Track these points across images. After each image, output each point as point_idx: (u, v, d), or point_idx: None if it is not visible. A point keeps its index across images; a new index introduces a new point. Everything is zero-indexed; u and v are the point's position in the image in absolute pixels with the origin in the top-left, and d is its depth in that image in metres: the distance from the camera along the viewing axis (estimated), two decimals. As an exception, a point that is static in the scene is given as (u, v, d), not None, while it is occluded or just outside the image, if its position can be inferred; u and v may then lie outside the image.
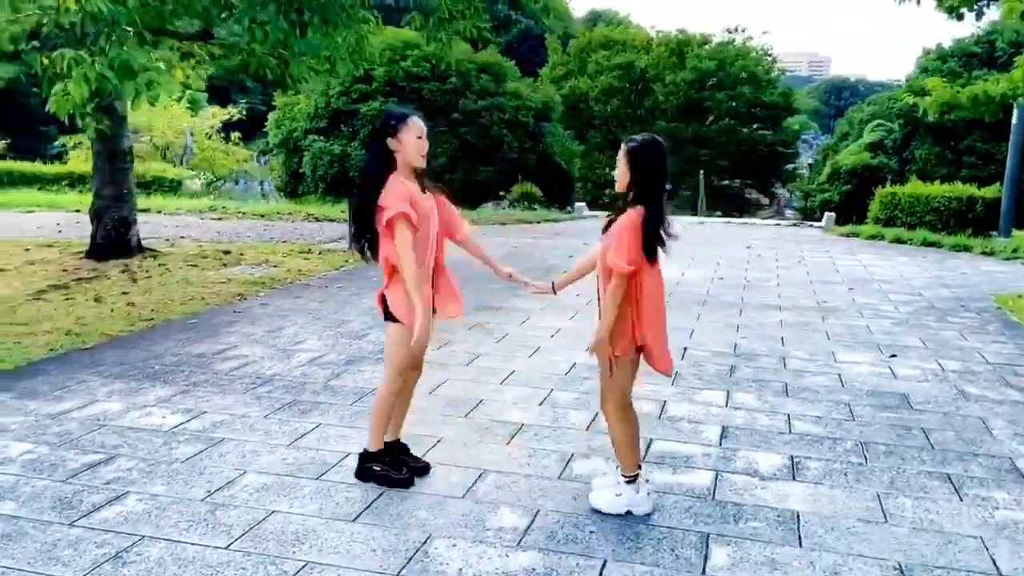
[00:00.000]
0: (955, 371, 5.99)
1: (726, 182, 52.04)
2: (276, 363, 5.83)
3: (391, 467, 3.87)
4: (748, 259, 11.59)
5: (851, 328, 7.33)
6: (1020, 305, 8.40)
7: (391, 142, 3.57)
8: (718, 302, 8.42)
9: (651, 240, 3.39)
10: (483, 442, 4.42)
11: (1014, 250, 12.68)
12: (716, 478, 4.00)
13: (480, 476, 3.97)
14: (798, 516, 3.61)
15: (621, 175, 3.43)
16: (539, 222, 16.22)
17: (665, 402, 5.14)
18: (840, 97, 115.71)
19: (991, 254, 12.61)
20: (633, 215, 3.36)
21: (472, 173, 20.32)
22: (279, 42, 6.69)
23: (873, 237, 14.29)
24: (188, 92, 25.08)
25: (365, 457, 3.91)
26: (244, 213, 15.53)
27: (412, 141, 3.57)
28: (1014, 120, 13.59)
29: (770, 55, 50.76)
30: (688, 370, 5.87)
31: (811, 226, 16.81)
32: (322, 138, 21.26)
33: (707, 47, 46.86)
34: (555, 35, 52.41)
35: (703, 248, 12.74)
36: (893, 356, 6.39)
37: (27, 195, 17.14)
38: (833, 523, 3.55)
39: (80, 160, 21.08)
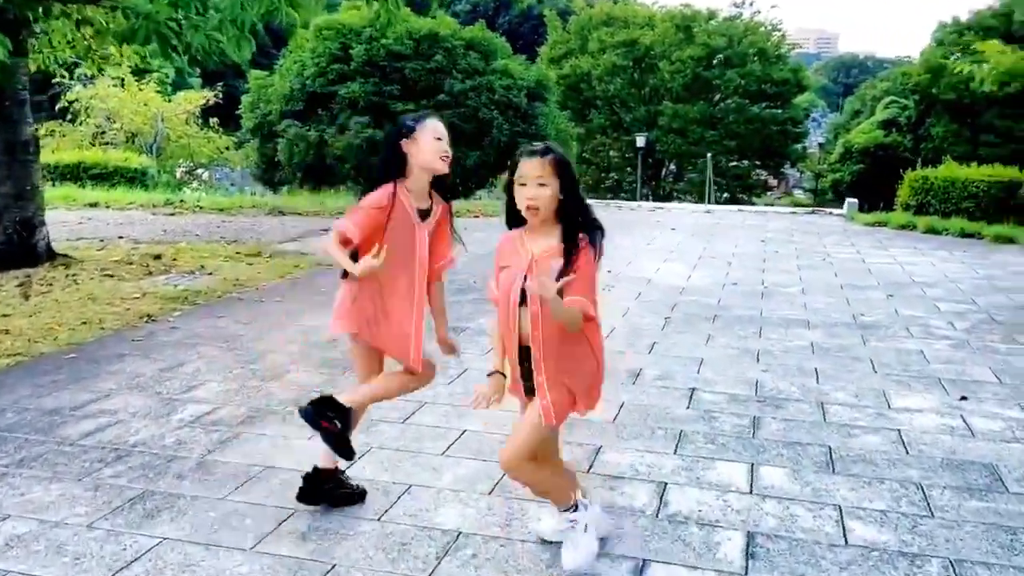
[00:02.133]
0: (1050, 423, 4.52)
1: (733, 163, 50.47)
2: (148, 423, 4.40)
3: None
4: (765, 256, 10.10)
5: (900, 354, 5.85)
6: (1099, 316, 6.92)
7: (404, 143, 3.09)
8: (731, 316, 6.94)
9: None
10: (393, 574, 2.97)
11: (1066, 241, 11.17)
12: (742, 647, 2.56)
13: (372, 651, 2.53)
14: None
15: (544, 192, 2.70)
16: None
17: (665, 485, 3.69)
18: (849, 74, 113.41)
19: (1040, 246, 11.11)
20: (586, 247, 2.72)
21: (460, 159, 18.78)
22: (173, 4, 5.27)
23: (904, 227, 12.75)
24: (155, 74, 23.67)
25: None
26: (201, 207, 14.09)
27: (429, 141, 3.08)
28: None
29: (779, 30, 48.98)
30: (696, 426, 4.42)
31: (831, 214, 15.28)
32: (298, 123, 19.69)
33: (713, 22, 45.14)
34: (554, 11, 50.54)
35: (713, 242, 11.25)
36: (963, 399, 4.92)
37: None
38: None
39: (47, 152, 19.54)
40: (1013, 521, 3.39)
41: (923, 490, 3.67)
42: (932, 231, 12.20)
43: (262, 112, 20.52)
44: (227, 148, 25.89)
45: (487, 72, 19.42)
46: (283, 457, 3.96)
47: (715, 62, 44.46)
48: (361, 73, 18.93)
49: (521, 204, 2.74)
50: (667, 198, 40.94)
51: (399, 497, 3.56)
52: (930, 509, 3.50)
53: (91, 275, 8.00)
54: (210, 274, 8.39)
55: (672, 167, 47.55)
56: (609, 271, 8.83)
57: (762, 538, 3.24)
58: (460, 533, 3.25)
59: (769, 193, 54.35)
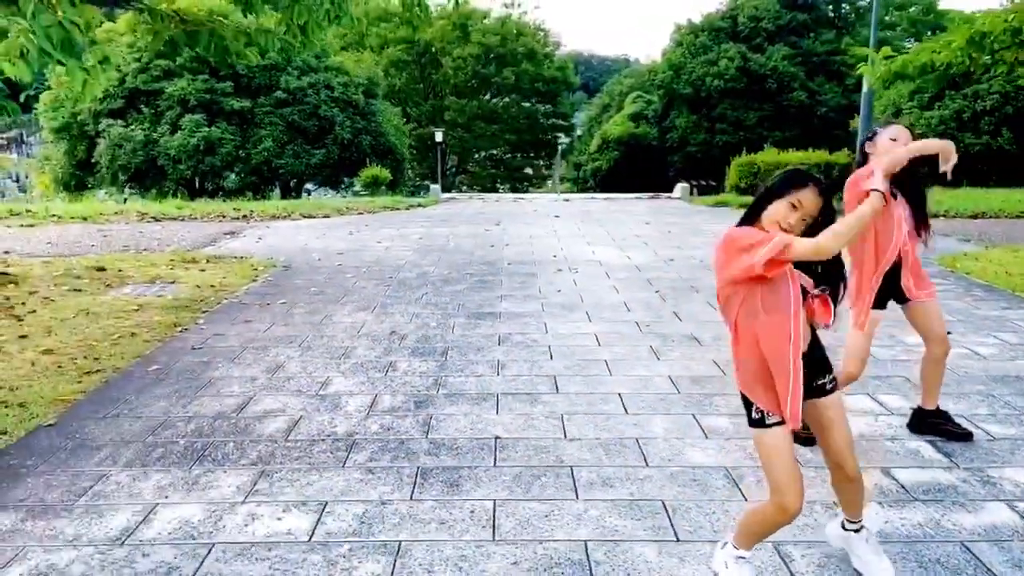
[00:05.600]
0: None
1: (508, 156, 52.97)
2: (332, 416, 4.54)
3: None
4: (663, 236, 11.38)
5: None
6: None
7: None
8: (703, 286, 8.03)
9: None
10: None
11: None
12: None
13: None
14: None
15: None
16: (408, 208, 15.05)
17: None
18: (576, 71, 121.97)
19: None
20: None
21: (304, 156, 18.46)
22: None
23: (743, 206, 14.72)
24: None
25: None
26: (59, 216, 12.87)
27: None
28: (864, 89, 14.59)
29: (543, 30, 51.97)
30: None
31: (670, 198, 17.12)
32: (120, 121, 18.24)
33: (486, 21, 47.11)
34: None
35: (606, 227, 12.39)
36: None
37: None
38: None
39: None
40: None
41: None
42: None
43: (70, 111, 18.67)
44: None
45: (321, 69, 19.23)
46: (497, 428, 4.35)
47: (491, 58, 46.42)
48: (188, 69, 17.92)
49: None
50: (449, 189, 42.25)
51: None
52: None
53: (52, 290, 7.38)
54: (173, 283, 8.05)
55: (455, 159, 49.03)
56: (554, 256, 9.62)
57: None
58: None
59: (542, 184, 57.70)
